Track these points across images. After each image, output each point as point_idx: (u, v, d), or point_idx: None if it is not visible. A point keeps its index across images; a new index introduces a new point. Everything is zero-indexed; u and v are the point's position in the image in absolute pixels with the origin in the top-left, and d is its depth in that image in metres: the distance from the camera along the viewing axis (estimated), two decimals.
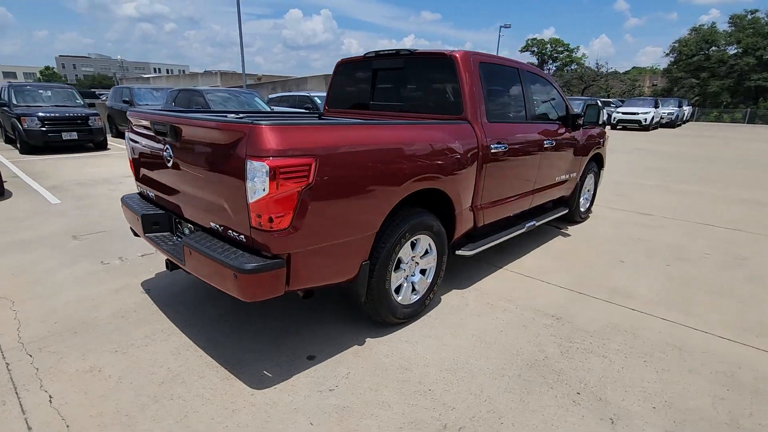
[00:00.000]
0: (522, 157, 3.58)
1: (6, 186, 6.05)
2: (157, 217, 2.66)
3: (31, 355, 2.38)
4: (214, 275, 2.08)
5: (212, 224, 2.24)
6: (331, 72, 4.16)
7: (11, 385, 2.14)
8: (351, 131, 2.25)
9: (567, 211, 4.77)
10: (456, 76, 3.07)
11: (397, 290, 2.73)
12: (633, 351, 2.58)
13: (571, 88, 42.07)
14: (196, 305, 2.98)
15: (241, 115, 3.30)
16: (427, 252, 2.88)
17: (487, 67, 3.32)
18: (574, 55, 52.59)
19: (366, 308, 2.62)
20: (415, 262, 2.84)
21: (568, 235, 4.78)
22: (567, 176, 4.53)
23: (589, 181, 5.23)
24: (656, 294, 3.35)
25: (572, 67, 50.50)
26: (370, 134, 2.33)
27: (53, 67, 79.62)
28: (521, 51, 55.61)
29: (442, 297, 3.21)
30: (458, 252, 3.23)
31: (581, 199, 5.16)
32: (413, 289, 2.85)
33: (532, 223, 3.99)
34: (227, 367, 2.32)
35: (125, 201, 2.98)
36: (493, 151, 3.16)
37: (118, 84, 27.68)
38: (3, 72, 76.23)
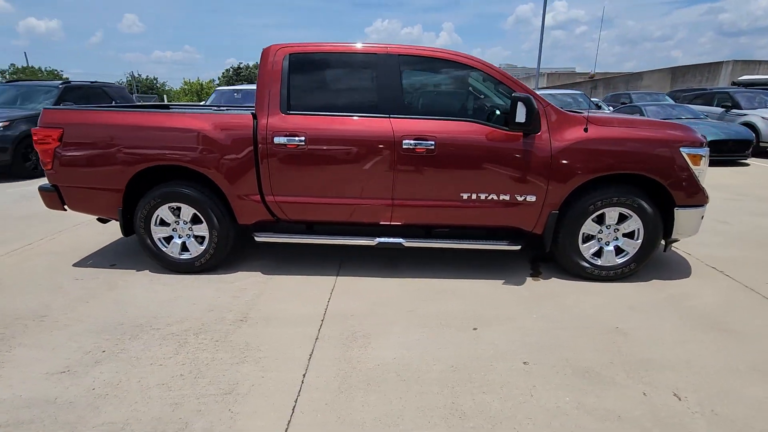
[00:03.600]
0: (343, 154, 3.15)
1: None
2: None
3: None
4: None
5: None
6: None
7: None
8: (99, 114, 3.31)
9: (519, 247, 3.31)
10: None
11: (180, 244, 3.46)
12: None
13: None
14: None
15: None
16: (200, 221, 3.38)
17: (305, 58, 3.20)
18: None
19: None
20: (189, 226, 3.42)
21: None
22: (507, 197, 3.19)
23: (632, 223, 3.21)
24: None
25: None
26: (112, 116, 3.29)
27: None
28: None
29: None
30: (255, 236, 3.43)
31: (597, 244, 3.29)
32: (183, 248, 3.47)
33: (381, 241, 3.30)
34: None
35: None
36: (278, 143, 3.13)
37: None
38: None
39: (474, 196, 3.21)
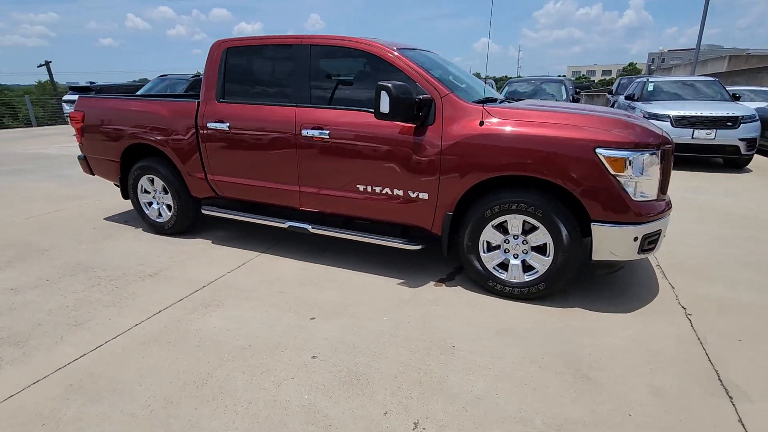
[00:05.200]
0: (257, 141, 3.39)
1: None
2: None
3: None
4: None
5: None
6: None
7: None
8: (104, 101, 4.16)
9: (419, 247, 3.09)
10: None
11: (157, 210, 4.21)
12: None
13: None
14: None
15: None
16: (167, 192, 4.03)
17: (241, 50, 3.51)
18: None
19: None
20: (162, 196, 4.10)
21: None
22: (399, 192, 3.01)
23: (541, 236, 2.72)
24: None
25: None
26: (108, 103, 4.10)
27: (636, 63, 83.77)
28: None
29: None
30: (202, 209, 3.93)
31: (502, 256, 2.88)
32: (159, 213, 4.17)
33: (291, 224, 3.44)
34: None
35: None
36: (210, 128, 3.54)
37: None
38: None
39: (369, 189, 3.12)
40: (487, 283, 2.95)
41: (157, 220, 4.21)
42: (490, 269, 2.92)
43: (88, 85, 11.07)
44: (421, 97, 2.81)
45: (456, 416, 1.91)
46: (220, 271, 3.40)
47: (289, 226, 3.50)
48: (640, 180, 2.54)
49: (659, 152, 2.57)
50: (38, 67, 28.11)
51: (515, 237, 2.83)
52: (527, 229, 2.78)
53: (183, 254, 3.75)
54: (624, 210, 2.52)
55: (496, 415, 1.92)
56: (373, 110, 2.85)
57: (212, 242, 4.04)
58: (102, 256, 3.69)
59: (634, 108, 8.34)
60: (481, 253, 2.92)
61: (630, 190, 2.52)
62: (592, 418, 1.90)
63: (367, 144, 3.03)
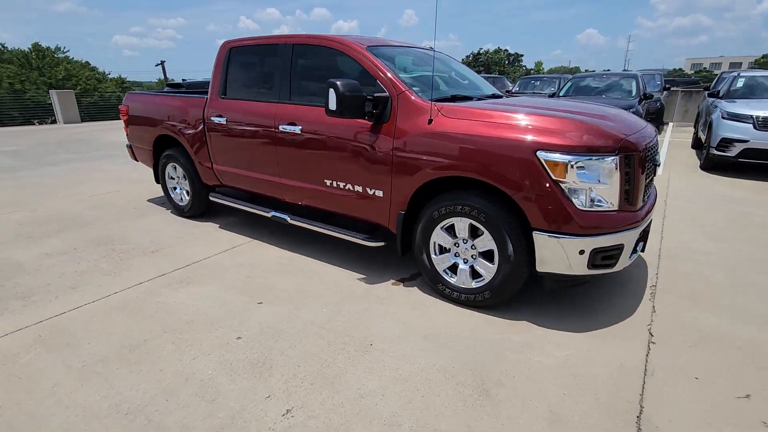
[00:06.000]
0: (246, 134, 3.65)
1: None
2: None
3: None
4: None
5: None
6: None
7: None
8: (141, 96, 4.71)
9: (381, 244, 3.10)
10: None
11: (179, 194, 4.71)
12: None
13: None
14: None
15: None
16: (185, 178, 4.49)
17: (240, 50, 3.78)
18: None
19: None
20: (183, 182, 4.57)
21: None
22: (359, 188, 3.05)
23: (486, 241, 2.59)
24: None
25: None
26: (144, 98, 4.63)
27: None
28: None
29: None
30: (210, 196, 4.32)
31: (452, 259, 2.79)
32: (181, 197, 4.64)
33: (274, 214, 3.64)
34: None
35: None
36: (213, 122, 3.88)
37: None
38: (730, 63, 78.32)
39: (335, 184, 3.20)
40: (437, 286, 2.88)
41: (180, 203, 4.70)
42: (440, 272, 2.85)
43: (181, 82, 12.51)
44: (376, 94, 2.81)
45: (330, 410, 1.95)
46: (209, 253, 3.73)
47: (272, 216, 3.71)
48: (595, 187, 2.29)
49: (618, 158, 2.29)
50: (155, 66, 32.05)
51: (464, 241, 2.72)
52: (479, 234, 2.66)
53: (190, 235, 4.17)
54: (566, 219, 2.29)
55: (368, 414, 1.92)
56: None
57: (219, 226, 4.42)
58: (126, 232, 4.24)
59: (716, 107, 7.25)
60: (432, 255, 2.85)
61: (577, 197, 2.29)
62: None
63: (332, 140, 3.11)
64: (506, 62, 63.98)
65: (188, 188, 4.54)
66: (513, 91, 14.34)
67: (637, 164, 2.40)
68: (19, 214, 4.82)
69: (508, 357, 2.31)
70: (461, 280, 2.78)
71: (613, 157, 2.28)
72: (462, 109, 2.66)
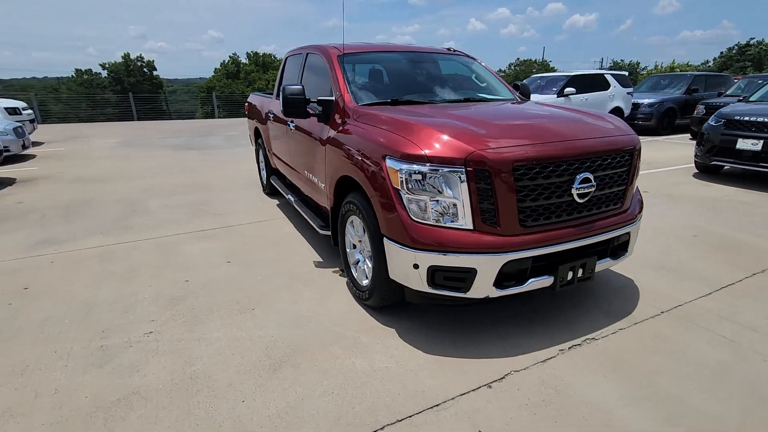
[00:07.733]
0: (277, 131, 4.38)
1: None
2: None
3: None
4: None
5: None
6: None
7: None
8: (253, 96, 5.96)
9: (318, 226, 3.42)
10: None
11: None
12: None
13: None
14: None
15: None
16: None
17: (289, 58, 4.56)
18: None
19: None
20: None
21: None
22: (317, 180, 3.41)
23: (366, 242, 2.65)
24: None
25: None
26: (254, 98, 5.86)
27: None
28: None
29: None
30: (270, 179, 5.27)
31: (357, 255, 2.92)
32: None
33: (291, 198, 4.23)
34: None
35: None
36: (269, 116, 4.78)
37: None
38: None
39: (309, 175, 3.62)
40: (347, 279, 3.03)
41: (264, 183, 5.86)
42: (351, 265, 2.98)
43: None
44: (324, 97, 3.13)
45: (181, 337, 2.50)
46: (252, 219, 4.65)
47: (288, 199, 4.38)
48: (435, 199, 2.14)
49: (465, 171, 2.06)
50: None
51: (360, 241, 2.81)
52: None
53: (252, 207, 5.21)
54: (399, 229, 2.20)
55: (188, 348, 2.38)
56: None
57: (277, 204, 5.36)
58: (222, 201, 5.56)
59: None
60: (347, 249, 3.01)
61: (413, 208, 2.17)
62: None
63: (306, 136, 3.54)
64: None
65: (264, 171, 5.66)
66: (727, 93, 11.24)
67: (503, 181, 2.08)
68: (180, 178, 6.85)
69: (332, 350, 2.39)
70: (358, 275, 2.87)
71: (453, 170, 2.07)
72: (366, 114, 2.75)
